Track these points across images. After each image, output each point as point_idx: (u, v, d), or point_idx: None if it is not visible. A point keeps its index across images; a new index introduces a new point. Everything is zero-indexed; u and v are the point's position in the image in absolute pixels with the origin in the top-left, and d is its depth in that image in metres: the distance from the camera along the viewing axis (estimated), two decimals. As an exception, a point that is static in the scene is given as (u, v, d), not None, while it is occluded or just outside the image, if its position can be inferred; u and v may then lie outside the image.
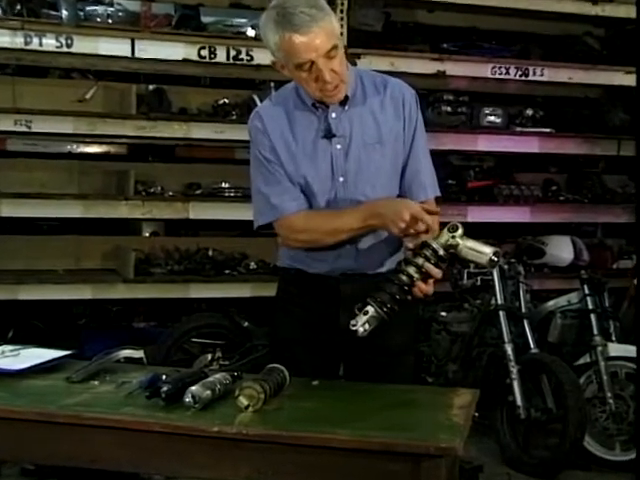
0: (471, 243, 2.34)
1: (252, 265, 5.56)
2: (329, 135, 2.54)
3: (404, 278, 2.33)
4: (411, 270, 2.33)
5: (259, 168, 2.58)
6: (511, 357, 4.51)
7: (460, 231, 2.34)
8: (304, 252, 2.62)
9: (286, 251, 2.69)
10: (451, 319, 5.01)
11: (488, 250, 2.34)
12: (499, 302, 4.68)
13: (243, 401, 2.14)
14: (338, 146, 2.55)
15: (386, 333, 2.52)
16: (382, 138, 2.56)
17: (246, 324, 5.02)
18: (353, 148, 2.55)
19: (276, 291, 2.77)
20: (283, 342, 2.69)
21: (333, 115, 2.55)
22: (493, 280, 4.70)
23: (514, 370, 4.49)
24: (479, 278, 4.87)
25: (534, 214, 5.94)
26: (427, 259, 2.33)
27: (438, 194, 2.68)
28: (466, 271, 4.91)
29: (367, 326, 2.31)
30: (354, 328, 2.31)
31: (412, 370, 2.79)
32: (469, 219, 5.56)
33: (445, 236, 2.35)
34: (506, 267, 4.78)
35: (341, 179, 2.55)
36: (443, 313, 5.07)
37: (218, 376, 2.26)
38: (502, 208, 5.91)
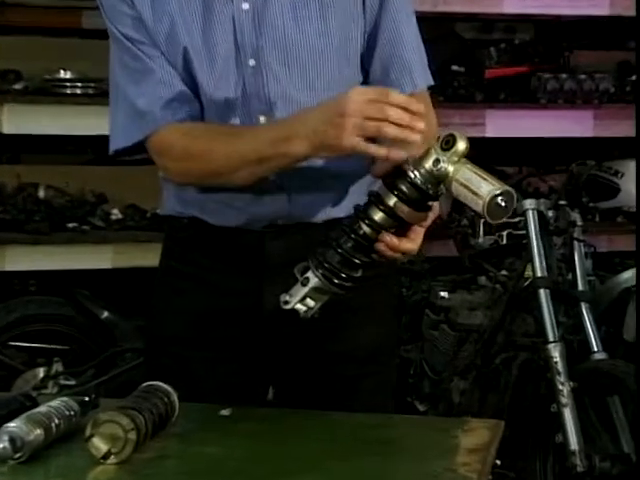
0: (468, 174, 2.22)
1: (115, 214, 5.59)
2: None
3: (364, 227, 2.34)
4: (375, 214, 2.34)
5: (119, 54, 2.60)
6: (560, 367, 4.57)
7: (459, 147, 2.24)
8: (201, 191, 2.63)
9: (173, 190, 2.70)
10: (457, 303, 5.07)
11: (485, 189, 2.20)
12: (539, 274, 4.72)
13: (100, 445, 2.15)
14: (244, 5, 2.54)
15: (346, 326, 2.57)
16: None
17: (105, 315, 5.08)
18: (270, 9, 2.54)
19: (160, 258, 2.80)
20: (169, 344, 2.73)
21: None
22: (529, 237, 4.74)
23: (565, 389, 4.54)
24: (504, 234, 4.92)
25: (600, 123, 6.05)
26: (400, 196, 2.31)
27: (431, 82, 2.69)
28: (482, 222, 4.94)
29: (311, 302, 2.32)
30: (288, 306, 2.32)
31: (392, 389, 2.84)
32: (489, 132, 5.59)
33: (432, 156, 2.26)
34: (551, 214, 4.82)
35: (251, 62, 2.55)
36: (444, 294, 5.12)
37: (56, 404, 2.26)
38: (545, 113, 5.99)
